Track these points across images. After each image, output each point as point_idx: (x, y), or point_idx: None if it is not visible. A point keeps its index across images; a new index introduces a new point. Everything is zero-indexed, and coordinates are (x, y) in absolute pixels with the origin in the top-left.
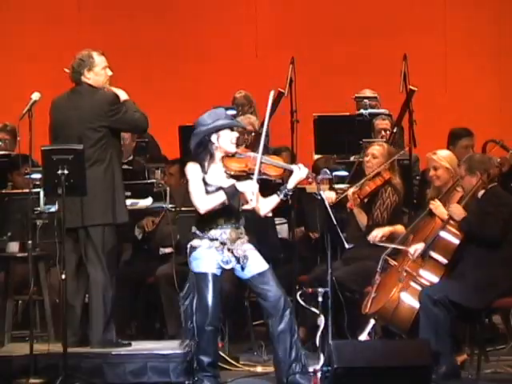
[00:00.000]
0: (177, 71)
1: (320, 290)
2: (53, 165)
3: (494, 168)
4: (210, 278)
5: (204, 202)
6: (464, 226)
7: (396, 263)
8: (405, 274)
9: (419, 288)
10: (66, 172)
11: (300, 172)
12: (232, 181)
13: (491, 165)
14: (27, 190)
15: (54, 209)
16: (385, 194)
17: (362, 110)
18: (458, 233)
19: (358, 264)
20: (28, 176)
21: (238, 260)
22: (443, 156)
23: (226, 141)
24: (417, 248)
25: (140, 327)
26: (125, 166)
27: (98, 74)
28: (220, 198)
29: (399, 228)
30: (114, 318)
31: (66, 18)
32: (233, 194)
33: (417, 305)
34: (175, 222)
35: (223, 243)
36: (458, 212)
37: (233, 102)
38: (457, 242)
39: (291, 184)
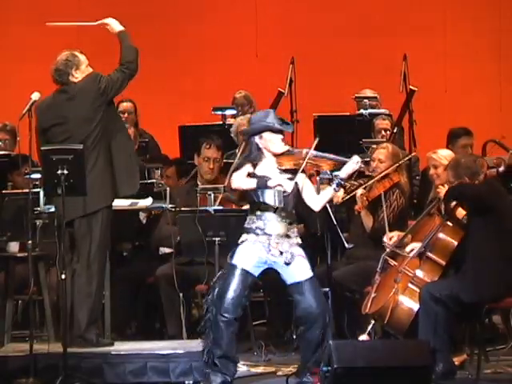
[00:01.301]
0: (177, 71)
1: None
2: (53, 165)
3: (486, 169)
4: (239, 271)
5: (237, 178)
6: (450, 190)
7: (396, 263)
8: (400, 275)
9: (417, 289)
10: (65, 172)
11: (352, 163)
12: (284, 175)
13: (479, 166)
14: (27, 190)
15: (53, 209)
16: (392, 197)
17: (361, 110)
18: (456, 234)
19: (358, 264)
20: (28, 176)
21: (281, 253)
22: (443, 155)
23: (269, 143)
24: (414, 247)
25: (140, 327)
26: None
27: (84, 71)
28: (251, 183)
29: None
30: (102, 319)
31: (65, 17)
32: (262, 184)
33: (415, 307)
34: (175, 222)
35: (268, 235)
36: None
37: (233, 101)
38: (455, 243)
39: (343, 173)
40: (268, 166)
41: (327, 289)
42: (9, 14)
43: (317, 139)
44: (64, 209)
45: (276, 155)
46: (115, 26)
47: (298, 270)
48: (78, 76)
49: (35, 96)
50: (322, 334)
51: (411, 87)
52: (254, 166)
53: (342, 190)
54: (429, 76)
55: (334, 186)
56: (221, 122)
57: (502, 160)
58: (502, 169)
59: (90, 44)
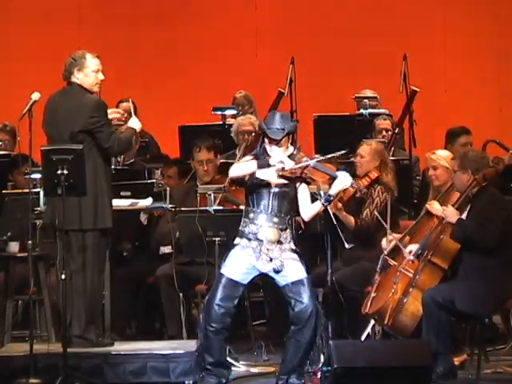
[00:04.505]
0: (177, 71)
1: (320, 290)
2: (53, 165)
3: (489, 168)
4: (224, 281)
5: (235, 166)
6: (458, 230)
7: (396, 263)
8: (399, 275)
9: (420, 293)
10: (65, 172)
11: (343, 180)
12: (281, 180)
13: (484, 164)
14: (27, 190)
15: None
16: (374, 193)
17: (361, 110)
18: None
19: (358, 264)
20: (28, 176)
21: (271, 260)
22: (442, 156)
23: (267, 145)
24: (411, 249)
25: (140, 327)
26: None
27: (87, 75)
28: (250, 166)
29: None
30: (102, 320)
31: (65, 17)
32: (264, 164)
33: (419, 312)
34: (175, 221)
35: (260, 241)
36: (452, 214)
37: (233, 101)
38: (458, 246)
39: (332, 189)
40: (269, 170)
41: (327, 289)
42: (9, 13)
43: (336, 153)
44: (64, 209)
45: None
46: (133, 123)
47: (289, 272)
48: (79, 77)
49: (35, 96)
50: (313, 336)
51: (413, 88)
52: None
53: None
54: (429, 76)
55: (323, 201)
56: (221, 122)
57: (501, 159)
58: (500, 168)
59: (89, 44)
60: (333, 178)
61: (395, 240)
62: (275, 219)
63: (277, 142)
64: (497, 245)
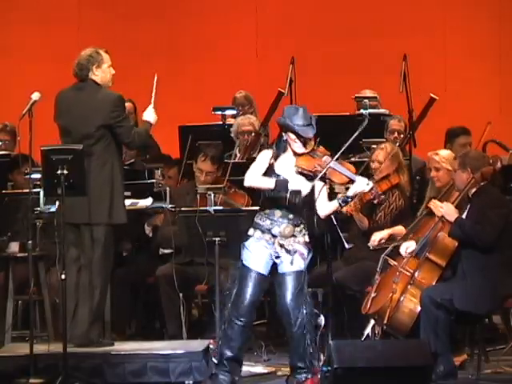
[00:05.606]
0: (177, 71)
1: (320, 290)
2: (53, 165)
3: (487, 167)
4: (254, 275)
5: (253, 177)
6: (456, 228)
7: (396, 263)
8: (398, 275)
9: (418, 291)
10: (65, 172)
11: (362, 184)
12: (299, 178)
13: (484, 163)
14: (27, 190)
15: (53, 209)
16: (391, 198)
17: (361, 110)
18: None
19: (358, 264)
20: (28, 176)
21: (289, 253)
22: (445, 157)
23: (291, 141)
24: (408, 246)
25: (140, 327)
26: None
27: (104, 71)
28: (269, 183)
29: (398, 229)
30: (103, 319)
31: (65, 18)
32: (282, 186)
33: (417, 309)
34: (175, 222)
35: (274, 236)
36: (451, 212)
37: (233, 101)
38: (455, 244)
39: (350, 192)
40: (287, 163)
41: (327, 289)
42: (9, 13)
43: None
44: (64, 208)
45: (296, 154)
46: (148, 114)
47: (285, 262)
48: (97, 74)
49: (35, 96)
50: (297, 333)
51: (432, 95)
52: (276, 157)
53: None
54: (429, 76)
55: (340, 201)
56: (221, 122)
57: (498, 158)
58: (498, 166)
59: (89, 44)
60: (351, 180)
61: (383, 239)
62: (290, 215)
63: (306, 140)
64: (495, 243)
